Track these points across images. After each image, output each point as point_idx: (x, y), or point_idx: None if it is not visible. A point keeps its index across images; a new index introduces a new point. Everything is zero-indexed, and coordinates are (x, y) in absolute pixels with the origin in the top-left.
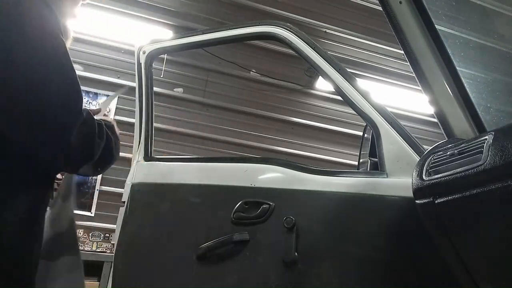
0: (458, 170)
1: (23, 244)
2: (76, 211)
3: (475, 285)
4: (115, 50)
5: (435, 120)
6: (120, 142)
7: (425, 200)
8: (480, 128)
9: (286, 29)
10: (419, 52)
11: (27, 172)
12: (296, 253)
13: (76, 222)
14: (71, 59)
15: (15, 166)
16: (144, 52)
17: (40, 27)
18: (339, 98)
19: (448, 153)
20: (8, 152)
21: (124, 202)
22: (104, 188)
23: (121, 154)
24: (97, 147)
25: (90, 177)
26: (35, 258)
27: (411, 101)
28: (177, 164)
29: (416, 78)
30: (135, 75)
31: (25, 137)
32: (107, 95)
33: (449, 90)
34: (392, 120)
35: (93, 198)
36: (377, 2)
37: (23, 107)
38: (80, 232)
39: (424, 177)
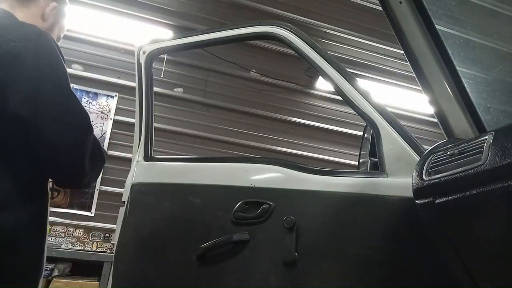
0: (458, 170)
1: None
2: (76, 211)
3: (475, 285)
4: (115, 50)
5: (435, 120)
6: (120, 143)
7: (425, 200)
8: (480, 128)
9: (286, 29)
10: (419, 52)
11: (41, 179)
12: (296, 253)
13: (76, 222)
14: (72, 59)
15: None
16: (144, 52)
17: (55, 67)
18: (339, 98)
19: (448, 153)
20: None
21: (124, 202)
22: (104, 188)
23: (121, 154)
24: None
25: None
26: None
27: (411, 101)
28: (177, 164)
29: (416, 78)
30: (135, 75)
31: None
32: (107, 95)
33: (449, 90)
34: (392, 120)
35: (93, 198)
36: (377, 2)
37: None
38: (80, 232)
39: (424, 177)
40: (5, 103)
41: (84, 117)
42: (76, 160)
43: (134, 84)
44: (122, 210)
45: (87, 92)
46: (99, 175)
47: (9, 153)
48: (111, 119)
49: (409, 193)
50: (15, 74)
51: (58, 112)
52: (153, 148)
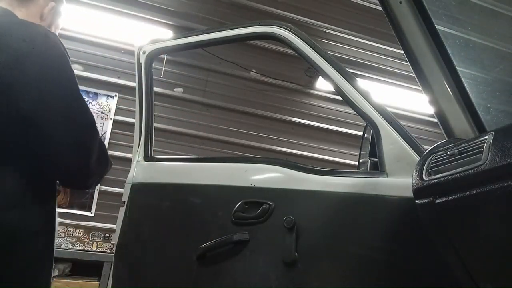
0: (458, 170)
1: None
2: (76, 211)
3: (475, 285)
4: (115, 50)
5: (435, 120)
6: (120, 143)
7: (425, 200)
8: (480, 128)
9: (286, 29)
10: (419, 52)
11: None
12: (296, 253)
13: (76, 222)
14: (72, 59)
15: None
16: (144, 52)
17: (63, 69)
18: (339, 98)
19: (448, 153)
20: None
21: (124, 202)
22: (104, 188)
23: (121, 154)
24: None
25: None
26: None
27: (411, 101)
28: (177, 164)
29: (416, 78)
30: (135, 75)
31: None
32: (107, 95)
33: (449, 90)
34: (392, 120)
35: (93, 198)
36: (377, 2)
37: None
38: (80, 232)
39: (424, 177)
40: (11, 104)
41: (89, 118)
42: (80, 161)
43: (134, 84)
44: (122, 210)
45: (87, 92)
46: (103, 177)
47: (14, 153)
48: (111, 119)
49: (409, 193)
50: (21, 74)
51: (64, 113)
52: (153, 148)
